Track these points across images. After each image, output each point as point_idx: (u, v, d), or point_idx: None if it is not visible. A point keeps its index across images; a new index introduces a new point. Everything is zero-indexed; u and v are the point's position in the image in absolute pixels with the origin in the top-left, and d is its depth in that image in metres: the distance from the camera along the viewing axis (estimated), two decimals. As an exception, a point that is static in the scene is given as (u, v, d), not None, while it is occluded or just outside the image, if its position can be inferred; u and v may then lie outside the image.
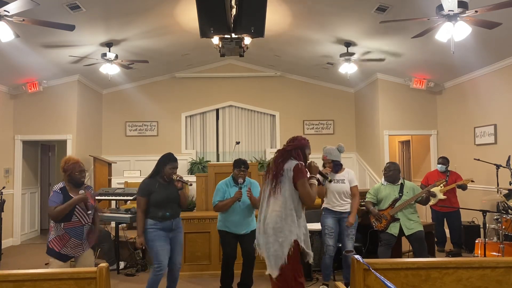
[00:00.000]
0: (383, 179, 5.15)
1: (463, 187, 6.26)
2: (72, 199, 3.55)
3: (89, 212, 3.65)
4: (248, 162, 4.57)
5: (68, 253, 3.60)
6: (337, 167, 4.65)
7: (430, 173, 6.82)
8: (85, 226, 3.66)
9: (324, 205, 4.72)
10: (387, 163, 5.15)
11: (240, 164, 4.40)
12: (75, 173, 3.66)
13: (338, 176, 4.64)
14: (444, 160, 6.49)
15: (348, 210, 4.61)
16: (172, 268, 4.05)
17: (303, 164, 3.21)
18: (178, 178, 4.01)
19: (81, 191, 3.61)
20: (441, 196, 6.31)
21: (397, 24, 5.44)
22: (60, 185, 3.68)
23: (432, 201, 6.28)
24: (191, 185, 4.28)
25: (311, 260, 3.20)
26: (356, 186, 4.69)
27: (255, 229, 4.35)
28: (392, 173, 4.97)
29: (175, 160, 4.05)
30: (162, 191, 3.99)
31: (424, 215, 7.68)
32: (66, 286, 2.19)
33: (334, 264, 4.93)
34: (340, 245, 4.70)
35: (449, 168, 6.50)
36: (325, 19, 6.23)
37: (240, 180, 4.36)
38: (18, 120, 7.88)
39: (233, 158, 5.48)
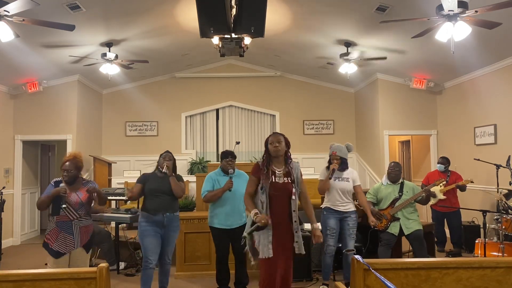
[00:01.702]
0: (383, 179, 5.16)
1: (462, 188, 6.25)
2: (51, 191, 3.66)
3: (64, 206, 3.63)
4: (248, 162, 4.58)
5: (60, 249, 3.64)
6: (344, 164, 4.63)
7: (431, 173, 6.82)
8: (74, 222, 3.68)
9: (325, 205, 4.69)
10: (392, 163, 5.12)
11: (227, 155, 4.50)
12: (61, 170, 3.77)
13: (343, 174, 4.63)
14: (443, 160, 6.49)
15: (351, 209, 4.60)
16: (162, 263, 4.25)
17: (258, 163, 3.43)
18: (166, 165, 4.16)
19: (62, 185, 3.67)
20: (441, 196, 6.31)
21: (397, 24, 5.44)
22: (58, 178, 3.82)
23: (432, 201, 6.28)
24: (172, 175, 4.22)
25: (252, 262, 3.37)
26: (360, 185, 4.72)
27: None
28: (397, 172, 5.00)
29: (169, 152, 4.34)
30: (155, 181, 4.21)
31: (424, 215, 7.68)
32: (66, 286, 2.19)
33: (334, 264, 4.93)
34: (340, 245, 4.69)
35: (449, 168, 6.49)
36: (325, 19, 6.24)
37: (231, 170, 4.41)
38: (18, 120, 7.88)
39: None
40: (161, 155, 4.31)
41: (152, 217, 4.08)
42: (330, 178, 4.55)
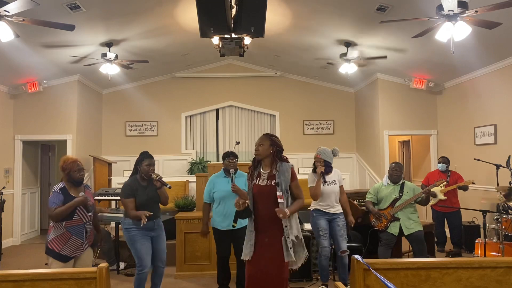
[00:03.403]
0: (384, 178, 5.15)
1: (464, 188, 6.26)
2: (72, 201, 3.53)
3: (90, 214, 3.65)
4: (248, 162, 4.58)
5: (68, 254, 3.58)
6: (328, 168, 4.56)
7: (430, 173, 6.82)
8: (86, 224, 3.67)
9: (314, 206, 4.62)
10: (393, 163, 5.11)
11: (228, 155, 4.50)
12: (73, 172, 3.64)
13: (330, 177, 4.58)
14: (445, 159, 6.50)
15: (340, 211, 4.57)
16: (158, 266, 4.12)
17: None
18: (157, 178, 3.99)
19: (81, 193, 3.60)
20: (441, 196, 6.31)
21: (397, 24, 5.44)
22: (60, 185, 3.67)
23: (433, 201, 6.28)
24: (170, 187, 4.10)
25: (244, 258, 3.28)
26: (343, 185, 4.74)
27: None
28: (399, 173, 5.01)
29: (151, 157, 4.06)
30: (142, 192, 4.00)
31: (424, 215, 7.68)
32: (66, 286, 2.19)
33: (334, 264, 4.93)
34: (334, 246, 4.68)
35: (449, 168, 6.50)
36: (325, 19, 6.24)
37: (232, 170, 4.37)
38: (18, 120, 7.88)
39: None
40: (141, 159, 4.03)
41: (140, 224, 3.93)
42: (324, 183, 4.48)
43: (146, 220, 3.81)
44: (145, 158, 4.01)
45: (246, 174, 4.49)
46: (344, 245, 4.51)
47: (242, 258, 3.26)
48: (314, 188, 4.45)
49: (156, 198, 4.07)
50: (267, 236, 3.16)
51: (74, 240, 3.59)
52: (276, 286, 3.14)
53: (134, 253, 3.99)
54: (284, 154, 3.38)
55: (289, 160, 3.39)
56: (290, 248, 3.09)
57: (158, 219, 4.11)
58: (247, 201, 3.24)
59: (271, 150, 3.26)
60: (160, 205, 4.20)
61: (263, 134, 3.41)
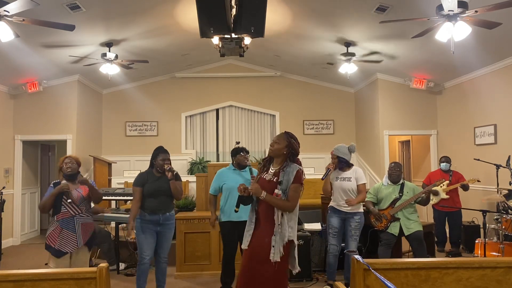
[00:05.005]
0: (384, 179, 5.16)
1: (465, 188, 6.25)
2: (53, 190, 3.74)
3: (69, 201, 3.73)
4: (248, 162, 4.57)
5: (63, 248, 3.69)
6: (341, 164, 4.61)
7: (432, 172, 6.82)
8: (76, 217, 3.77)
9: (330, 204, 4.71)
10: (392, 163, 5.12)
11: (241, 150, 4.54)
12: (62, 165, 3.85)
13: (345, 174, 4.61)
14: (447, 159, 6.51)
15: (355, 210, 4.56)
16: (158, 261, 4.25)
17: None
18: (168, 168, 4.09)
19: (63, 181, 3.76)
20: (443, 195, 6.30)
21: (397, 24, 5.44)
22: (57, 180, 3.90)
23: (435, 200, 6.28)
24: (176, 175, 4.17)
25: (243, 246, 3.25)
26: (364, 184, 4.64)
27: None
28: (398, 173, 5.01)
29: (165, 151, 4.22)
30: (153, 182, 4.14)
31: (425, 214, 7.68)
32: (66, 286, 2.18)
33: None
34: (343, 244, 4.70)
35: (450, 168, 6.50)
36: (325, 19, 6.24)
37: (248, 162, 4.47)
38: (18, 120, 7.87)
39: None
40: (156, 153, 4.18)
41: (148, 216, 4.08)
42: (323, 179, 4.60)
43: (132, 239, 3.95)
44: (160, 153, 4.19)
45: (254, 169, 4.52)
46: (352, 245, 4.53)
47: (241, 247, 3.29)
48: (323, 184, 4.69)
49: (166, 191, 4.13)
50: (262, 230, 3.15)
51: (66, 233, 3.71)
52: (260, 281, 3.06)
53: (137, 244, 4.16)
54: None
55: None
56: (273, 246, 3.02)
57: (166, 214, 4.16)
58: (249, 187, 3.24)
59: (284, 151, 3.24)
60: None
61: (284, 132, 3.35)
